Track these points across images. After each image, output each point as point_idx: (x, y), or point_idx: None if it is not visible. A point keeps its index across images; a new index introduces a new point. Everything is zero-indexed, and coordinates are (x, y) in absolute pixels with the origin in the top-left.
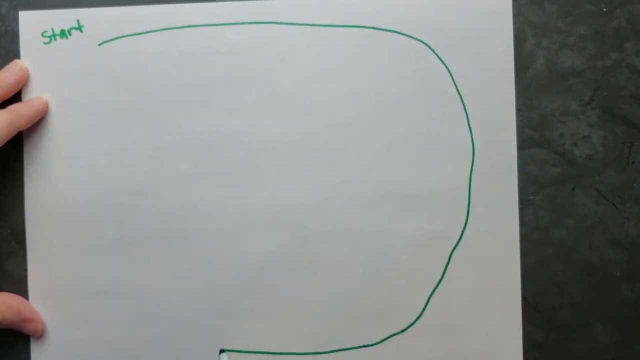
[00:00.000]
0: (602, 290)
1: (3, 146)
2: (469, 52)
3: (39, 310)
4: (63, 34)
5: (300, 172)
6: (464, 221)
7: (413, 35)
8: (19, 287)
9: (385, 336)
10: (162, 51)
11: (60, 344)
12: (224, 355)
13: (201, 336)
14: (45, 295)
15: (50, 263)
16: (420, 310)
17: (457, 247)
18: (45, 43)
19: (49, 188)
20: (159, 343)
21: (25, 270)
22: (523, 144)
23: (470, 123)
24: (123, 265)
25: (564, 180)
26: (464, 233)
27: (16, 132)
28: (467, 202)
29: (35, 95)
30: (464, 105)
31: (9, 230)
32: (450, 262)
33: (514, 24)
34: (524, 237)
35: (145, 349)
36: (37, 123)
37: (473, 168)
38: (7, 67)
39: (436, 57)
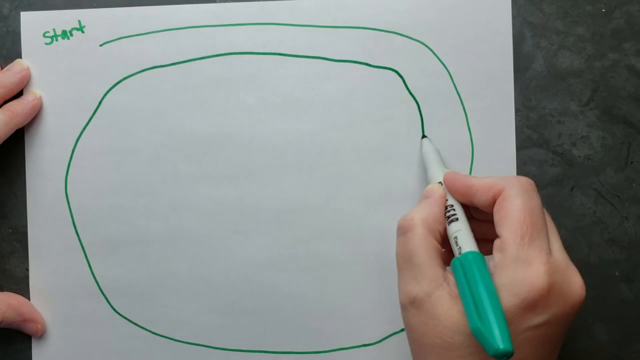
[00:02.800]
0: (601, 289)
1: (4, 146)
2: (468, 53)
3: (40, 310)
4: (64, 34)
5: (300, 172)
6: None
7: (413, 37)
8: (21, 286)
9: (385, 336)
10: (163, 52)
11: (61, 343)
12: (426, 140)
13: (201, 336)
14: (47, 294)
15: (51, 263)
16: None
17: None
18: (46, 43)
19: (51, 188)
20: (159, 343)
21: (27, 269)
22: (522, 144)
23: (470, 123)
24: (123, 265)
25: (563, 180)
26: None
27: (14, 130)
28: None
29: None
30: (463, 106)
31: (11, 230)
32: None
33: (513, 24)
34: None
35: (145, 349)
36: (39, 123)
37: (472, 168)
38: (9, 66)
39: (436, 58)
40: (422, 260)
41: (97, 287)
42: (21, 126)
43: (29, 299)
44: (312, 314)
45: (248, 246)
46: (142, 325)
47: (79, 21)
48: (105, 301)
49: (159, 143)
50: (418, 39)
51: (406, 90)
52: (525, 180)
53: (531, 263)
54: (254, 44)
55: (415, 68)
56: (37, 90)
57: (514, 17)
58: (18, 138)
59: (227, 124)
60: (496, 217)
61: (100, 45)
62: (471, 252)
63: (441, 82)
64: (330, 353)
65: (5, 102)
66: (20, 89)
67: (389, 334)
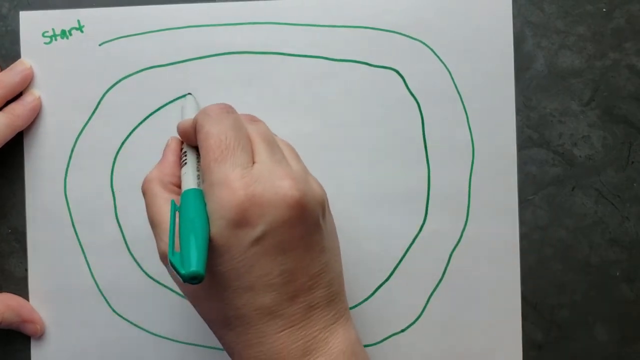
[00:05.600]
0: (602, 289)
1: (3, 147)
2: (468, 53)
3: (39, 310)
4: (64, 34)
5: None
6: (464, 221)
7: (413, 36)
8: (20, 287)
9: (385, 336)
10: (162, 51)
11: (60, 344)
12: (189, 96)
13: (200, 336)
14: (46, 295)
15: (50, 263)
16: (420, 310)
17: (457, 247)
18: (45, 43)
19: (50, 188)
20: (158, 344)
21: (26, 270)
22: (523, 144)
23: (470, 123)
24: (122, 265)
25: (564, 180)
26: (464, 233)
27: (15, 133)
28: (467, 202)
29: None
30: (463, 106)
31: (10, 230)
32: (450, 262)
33: (514, 24)
34: (523, 237)
35: (144, 349)
36: (38, 123)
37: (473, 168)
38: (12, 66)
39: (436, 58)
40: (159, 217)
41: (96, 288)
42: (22, 129)
43: (27, 299)
44: None
45: None
46: (141, 326)
47: (78, 21)
48: (104, 302)
49: (159, 142)
50: (418, 38)
51: (406, 90)
52: (214, 106)
53: (226, 182)
54: (254, 43)
55: (416, 68)
56: (35, 91)
57: (514, 17)
58: (17, 138)
59: None
60: (199, 150)
61: (100, 45)
62: (187, 190)
63: (442, 82)
64: None
65: (7, 102)
66: (22, 89)
67: (389, 334)
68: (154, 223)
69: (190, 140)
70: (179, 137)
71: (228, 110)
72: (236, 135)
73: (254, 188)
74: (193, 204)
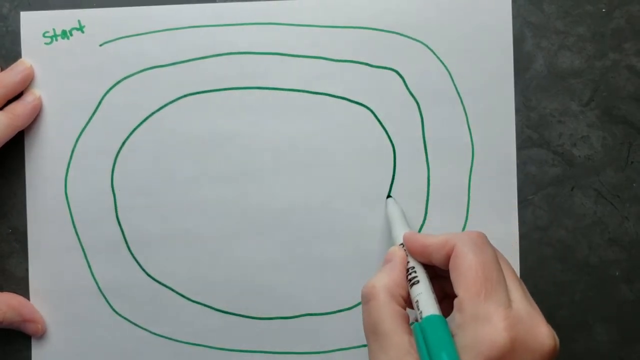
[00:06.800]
0: (601, 289)
1: (4, 146)
2: (468, 53)
3: (39, 310)
4: (64, 34)
5: (300, 172)
6: (464, 221)
7: (413, 36)
8: (20, 286)
9: None
10: (162, 52)
11: (61, 343)
12: (390, 200)
13: (201, 336)
14: (46, 295)
15: (51, 263)
16: None
17: None
18: (46, 43)
19: (50, 188)
20: (158, 344)
21: (27, 270)
22: (522, 144)
23: (470, 123)
24: (123, 265)
25: (563, 180)
26: None
27: (16, 132)
28: (466, 202)
29: None
30: (463, 106)
31: (10, 230)
32: None
33: (513, 24)
34: (523, 237)
35: (145, 349)
36: (38, 123)
37: (472, 168)
38: (12, 66)
39: (436, 58)
40: (386, 328)
41: (96, 288)
42: (22, 128)
43: (28, 299)
44: (312, 313)
45: (248, 246)
46: (142, 326)
47: (79, 21)
48: (105, 301)
49: (159, 143)
50: (418, 39)
51: (406, 90)
52: (475, 235)
53: (490, 319)
54: (254, 43)
55: (416, 68)
56: (36, 90)
57: (514, 17)
58: (18, 138)
59: (227, 124)
60: (452, 276)
61: (100, 45)
62: (431, 317)
63: (441, 82)
64: (330, 353)
65: (8, 102)
66: (23, 89)
67: None
68: (377, 332)
69: (426, 258)
70: (401, 247)
71: (487, 241)
72: (498, 270)
73: (517, 331)
74: (443, 333)
